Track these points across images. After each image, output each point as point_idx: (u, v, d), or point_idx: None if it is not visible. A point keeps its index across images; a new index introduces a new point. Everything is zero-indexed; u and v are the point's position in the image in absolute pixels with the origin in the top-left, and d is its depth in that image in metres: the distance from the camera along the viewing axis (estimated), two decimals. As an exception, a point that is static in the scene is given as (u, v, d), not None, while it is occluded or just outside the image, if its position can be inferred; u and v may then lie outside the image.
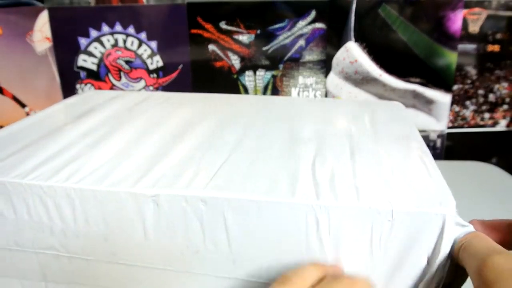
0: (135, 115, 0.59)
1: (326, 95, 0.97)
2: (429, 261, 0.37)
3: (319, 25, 0.93)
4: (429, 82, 0.93)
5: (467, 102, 0.94)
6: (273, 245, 0.39)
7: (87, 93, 0.70)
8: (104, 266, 0.42)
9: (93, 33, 0.96)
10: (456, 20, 0.89)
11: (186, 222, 0.39)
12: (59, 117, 0.58)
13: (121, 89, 0.99)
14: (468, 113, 0.95)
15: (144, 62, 0.97)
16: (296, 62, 0.95)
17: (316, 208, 0.37)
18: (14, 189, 0.40)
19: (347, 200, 0.37)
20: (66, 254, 0.42)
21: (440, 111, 0.95)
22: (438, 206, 0.36)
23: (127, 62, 0.97)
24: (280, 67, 0.96)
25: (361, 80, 0.95)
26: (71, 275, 0.42)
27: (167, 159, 0.44)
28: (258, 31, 0.94)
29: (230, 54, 0.96)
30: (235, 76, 0.97)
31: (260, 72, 0.97)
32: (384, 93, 0.95)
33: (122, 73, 0.98)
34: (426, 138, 0.98)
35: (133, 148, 0.47)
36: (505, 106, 0.93)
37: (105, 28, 0.95)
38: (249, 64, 0.96)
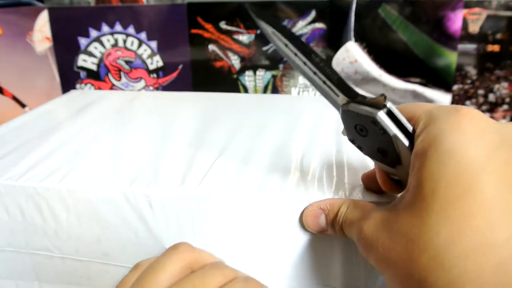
0: (124, 115, 0.59)
1: (326, 95, 0.97)
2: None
3: (319, 25, 0.92)
4: (429, 82, 0.93)
5: (467, 102, 0.94)
6: (264, 240, 0.39)
7: (72, 93, 0.70)
8: (97, 267, 0.42)
9: (93, 33, 0.96)
10: (456, 20, 0.89)
11: (179, 222, 0.39)
12: (48, 118, 0.58)
13: (121, 89, 0.99)
14: (468, 113, 0.95)
15: (144, 62, 0.97)
16: (296, 62, 0.95)
17: (305, 204, 0.38)
18: (7, 191, 0.40)
19: (334, 195, 0.38)
20: (59, 255, 0.42)
21: (440, 111, 0.95)
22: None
23: (127, 62, 0.97)
24: (280, 67, 0.96)
25: (361, 80, 0.95)
26: (65, 276, 0.43)
27: (159, 159, 0.45)
28: (258, 31, 0.94)
29: (230, 54, 0.96)
30: (235, 76, 0.97)
31: (260, 72, 0.96)
32: (384, 93, 0.95)
33: (122, 73, 0.98)
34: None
35: (125, 148, 0.48)
36: (505, 106, 0.92)
37: (105, 28, 0.95)
38: (249, 64, 0.96)
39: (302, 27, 0.93)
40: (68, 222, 0.40)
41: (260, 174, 0.41)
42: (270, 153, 0.46)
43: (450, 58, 0.91)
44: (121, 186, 0.39)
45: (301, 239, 0.39)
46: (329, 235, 0.38)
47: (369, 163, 0.45)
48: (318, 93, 0.96)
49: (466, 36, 0.89)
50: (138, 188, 0.39)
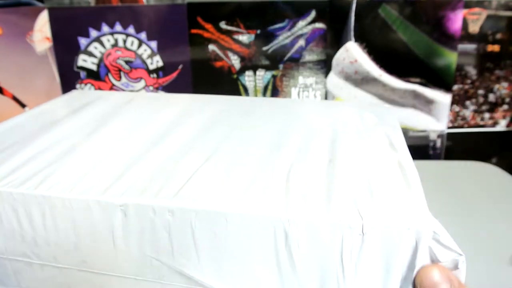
0: (116, 118, 0.58)
1: (326, 95, 0.97)
2: (403, 277, 0.36)
3: (319, 25, 0.92)
4: (429, 82, 0.92)
5: (467, 102, 0.93)
6: (242, 257, 0.38)
7: (71, 93, 0.70)
8: (76, 274, 0.42)
9: (93, 33, 0.96)
10: (456, 20, 0.88)
11: (154, 233, 0.39)
12: (38, 120, 0.58)
13: (121, 89, 0.99)
14: (468, 113, 0.94)
15: (144, 62, 0.97)
16: (296, 62, 0.95)
17: (285, 221, 0.36)
18: (-14, 196, 0.40)
19: (316, 213, 0.37)
20: (38, 262, 0.42)
21: (440, 111, 0.95)
22: (412, 221, 0.35)
23: (127, 62, 0.98)
24: (280, 67, 0.95)
25: (361, 80, 0.94)
26: (45, 282, 0.43)
27: (140, 166, 0.44)
28: (258, 31, 0.93)
29: (230, 54, 0.95)
30: (235, 76, 0.97)
31: (260, 72, 0.96)
32: (384, 93, 0.95)
33: (122, 73, 0.98)
34: (426, 138, 0.97)
35: (108, 153, 0.47)
36: (505, 106, 0.92)
37: (105, 28, 0.95)
38: (249, 64, 0.96)
39: (302, 27, 0.92)
40: (46, 229, 0.40)
41: (241, 186, 0.40)
42: (257, 164, 0.45)
43: (450, 58, 0.90)
44: (95, 194, 0.39)
45: (282, 259, 0.38)
46: None
47: (361, 179, 0.42)
48: (318, 95, 0.96)
49: (466, 36, 0.89)
50: (111, 197, 0.39)
